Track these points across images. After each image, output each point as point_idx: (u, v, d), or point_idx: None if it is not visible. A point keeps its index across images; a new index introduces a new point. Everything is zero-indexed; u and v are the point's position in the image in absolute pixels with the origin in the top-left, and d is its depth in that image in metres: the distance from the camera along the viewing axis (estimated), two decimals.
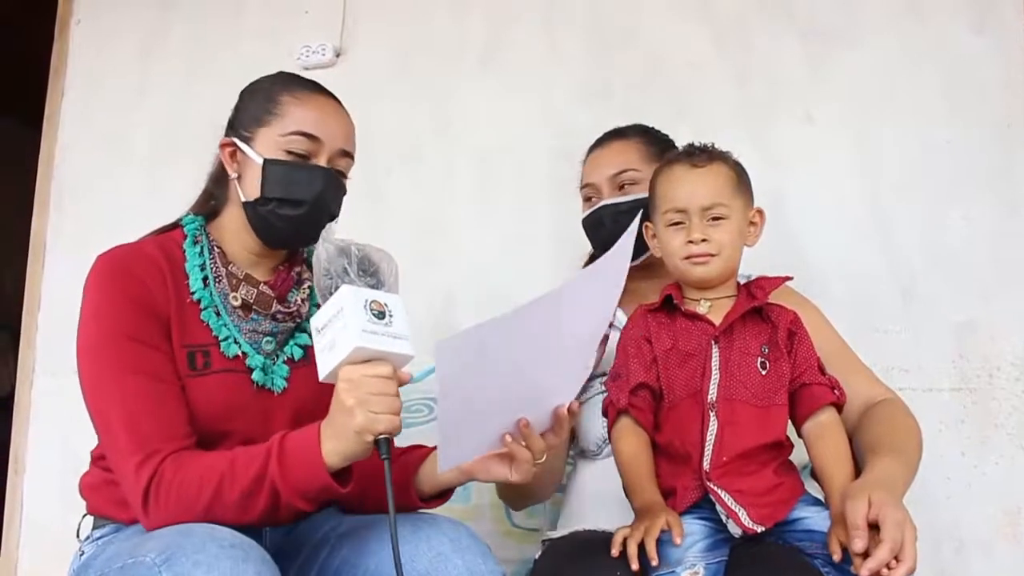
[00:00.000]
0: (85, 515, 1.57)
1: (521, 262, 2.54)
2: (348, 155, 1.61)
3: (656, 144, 1.88)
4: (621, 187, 1.86)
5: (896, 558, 1.27)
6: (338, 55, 2.83)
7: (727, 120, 2.41)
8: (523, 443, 1.40)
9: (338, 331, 1.25)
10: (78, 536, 1.57)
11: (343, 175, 1.61)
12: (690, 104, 2.46)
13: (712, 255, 1.55)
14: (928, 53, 2.34)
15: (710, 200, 1.55)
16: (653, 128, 1.96)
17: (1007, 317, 2.17)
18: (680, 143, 1.76)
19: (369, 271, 1.30)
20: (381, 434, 1.26)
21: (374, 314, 1.24)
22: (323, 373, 1.28)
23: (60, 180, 3.05)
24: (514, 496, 1.92)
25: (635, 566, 1.33)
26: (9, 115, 5.65)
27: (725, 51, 2.50)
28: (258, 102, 1.58)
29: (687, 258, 1.57)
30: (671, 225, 1.59)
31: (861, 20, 2.40)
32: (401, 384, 1.29)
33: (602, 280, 1.40)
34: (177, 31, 3.04)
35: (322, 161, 1.55)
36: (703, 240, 1.55)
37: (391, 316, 1.26)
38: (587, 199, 1.93)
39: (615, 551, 1.35)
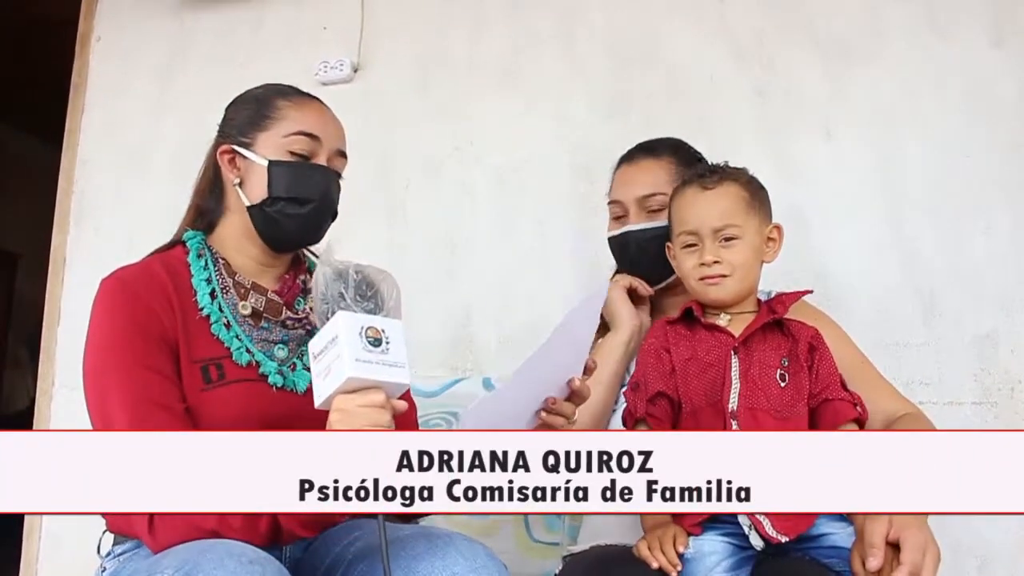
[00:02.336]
0: (105, 531, 1.56)
1: (540, 278, 2.54)
2: (343, 155, 1.64)
3: (687, 164, 1.83)
4: (649, 210, 1.83)
5: None
6: (356, 71, 2.84)
7: (746, 136, 2.41)
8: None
9: (332, 359, 1.24)
10: (99, 552, 1.56)
11: (339, 175, 1.64)
12: (709, 120, 2.46)
13: (725, 276, 1.57)
14: (947, 67, 2.34)
15: (721, 222, 1.57)
16: (684, 144, 1.92)
17: None
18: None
19: (367, 295, 1.29)
20: None
21: (370, 341, 1.23)
22: (318, 401, 1.27)
23: (80, 195, 3.08)
24: None
25: (678, 568, 1.34)
26: (30, 131, 5.71)
27: (744, 67, 2.50)
28: (252, 109, 1.61)
29: (701, 279, 1.59)
30: (685, 247, 1.62)
31: (879, 35, 2.41)
32: (396, 413, 1.27)
33: (580, 318, 1.46)
34: (197, 48, 3.06)
35: (322, 160, 1.59)
36: (715, 262, 1.57)
37: (388, 343, 1.25)
38: (615, 216, 1.91)
39: (655, 565, 1.35)
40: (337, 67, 2.82)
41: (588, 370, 1.48)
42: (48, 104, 3.60)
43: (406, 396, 1.52)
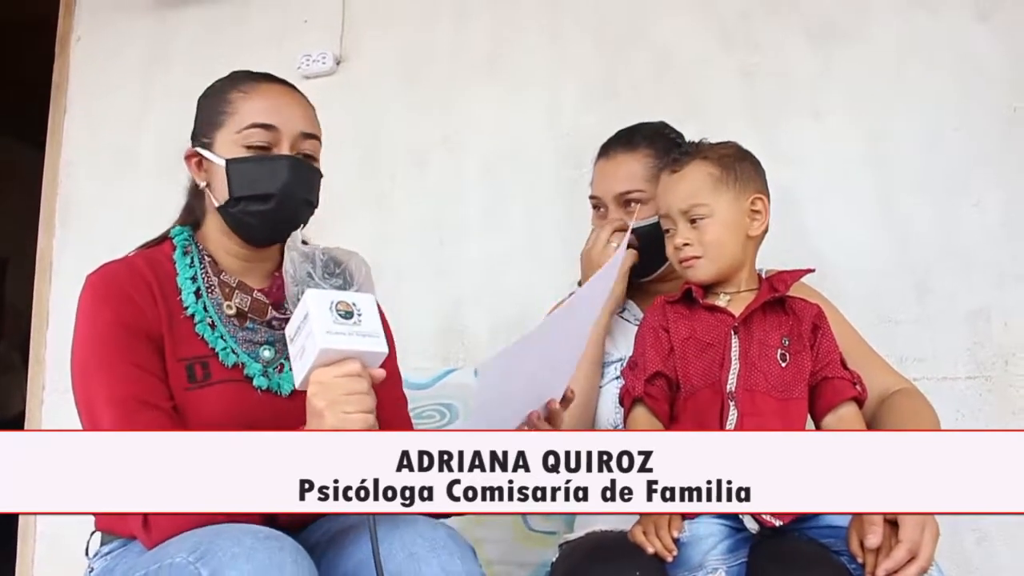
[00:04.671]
0: (94, 532, 1.55)
1: (530, 266, 2.54)
2: (311, 136, 1.57)
3: (665, 153, 1.79)
4: (627, 205, 1.83)
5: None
6: (338, 63, 2.83)
7: (735, 118, 2.39)
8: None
9: (305, 337, 1.25)
10: (87, 553, 1.55)
11: (312, 158, 1.58)
12: (697, 103, 2.46)
13: (697, 257, 1.58)
14: (933, 42, 2.33)
15: (686, 203, 1.59)
16: (663, 131, 1.90)
17: (1021, 304, 2.15)
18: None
19: (335, 272, 1.31)
20: None
21: (341, 315, 1.24)
22: (298, 380, 1.28)
23: (65, 197, 3.06)
24: None
25: (674, 553, 1.34)
26: (12, 134, 5.67)
27: (731, 48, 2.49)
28: (210, 106, 1.58)
29: (680, 263, 1.62)
30: (666, 233, 1.65)
31: (866, 13, 2.39)
32: (375, 381, 1.28)
33: (588, 301, 1.50)
34: (178, 45, 3.04)
35: (284, 149, 1.52)
36: (685, 244, 1.59)
37: (360, 315, 1.26)
38: (595, 208, 1.91)
39: (650, 550, 1.35)
40: (320, 60, 2.80)
41: (566, 399, 1.49)
42: (30, 105, 3.57)
43: (397, 389, 1.57)
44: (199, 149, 1.56)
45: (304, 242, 1.39)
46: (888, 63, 2.35)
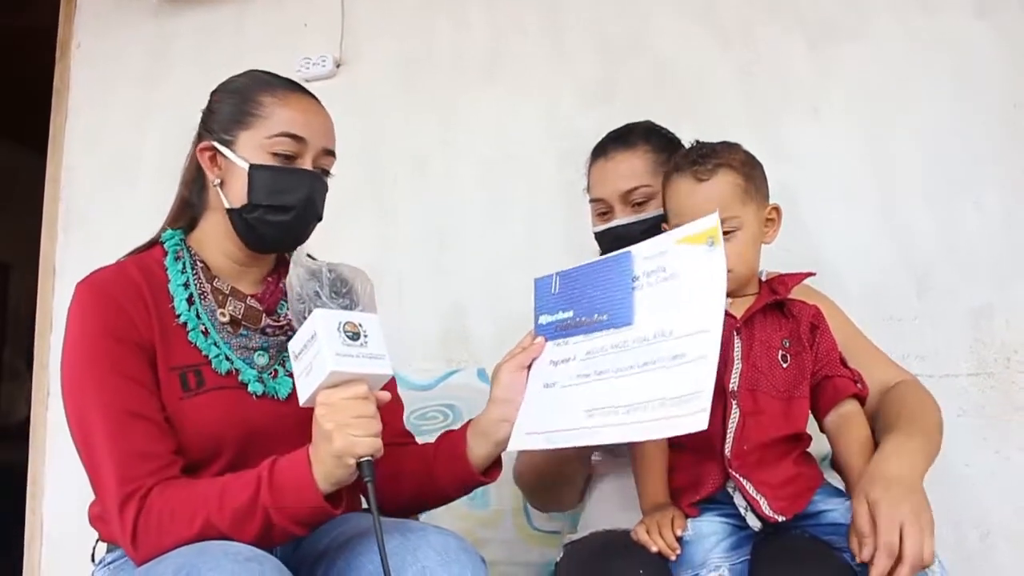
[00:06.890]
0: (99, 540, 1.55)
1: (531, 267, 2.51)
2: (331, 153, 1.57)
3: (664, 150, 1.80)
4: (633, 204, 1.81)
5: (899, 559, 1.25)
6: (338, 66, 2.83)
7: (734, 118, 2.39)
8: None
9: (313, 356, 1.25)
10: (93, 560, 1.56)
11: (328, 173, 1.57)
12: (696, 103, 2.46)
13: (728, 271, 1.54)
14: (932, 40, 2.33)
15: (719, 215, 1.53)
16: (655, 128, 1.89)
17: (1023, 301, 2.15)
18: (686, 143, 1.74)
19: (342, 292, 1.31)
20: (362, 457, 1.25)
21: (348, 336, 1.25)
22: (303, 398, 1.28)
23: (67, 202, 3.07)
24: (540, 491, 1.92)
25: (677, 552, 1.34)
26: (15, 139, 5.68)
27: (729, 49, 2.50)
28: (235, 103, 1.53)
29: None
30: None
31: (864, 11, 2.40)
32: (380, 403, 1.29)
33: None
34: (178, 50, 3.05)
35: (307, 162, 1.51)
36: None
37: (366, 336, 1.27)
38: (599, 213, 1.88)
39: (654, 549, 1.35)
40: (319, 63, 2.80)
41: None
42: (33, 110, 3.58)
43: (392, 392, 1.54)
44: (217, 145, 1.51)
45: (309, 255, 1.38)
46: (886, 62, 2.35)
